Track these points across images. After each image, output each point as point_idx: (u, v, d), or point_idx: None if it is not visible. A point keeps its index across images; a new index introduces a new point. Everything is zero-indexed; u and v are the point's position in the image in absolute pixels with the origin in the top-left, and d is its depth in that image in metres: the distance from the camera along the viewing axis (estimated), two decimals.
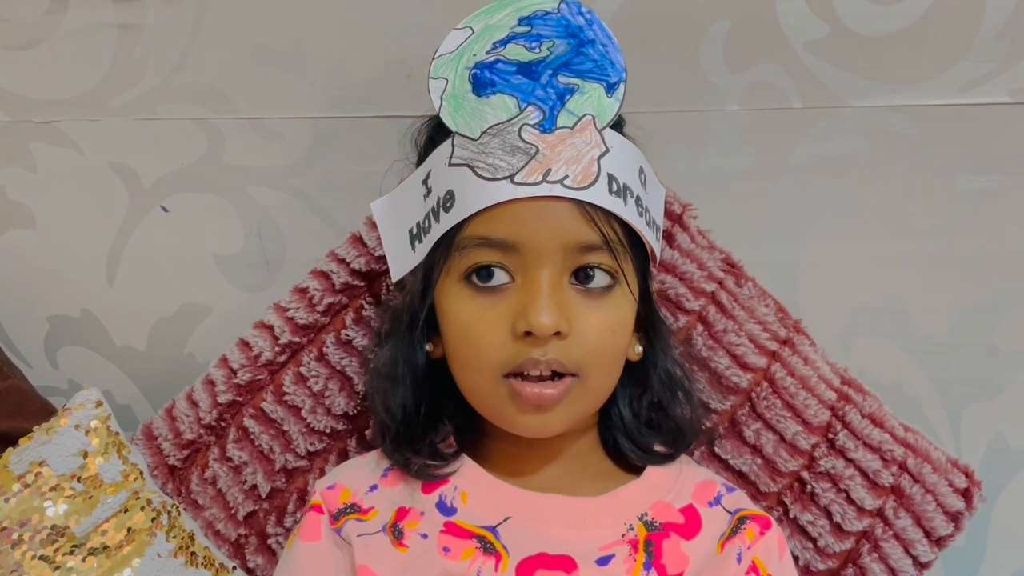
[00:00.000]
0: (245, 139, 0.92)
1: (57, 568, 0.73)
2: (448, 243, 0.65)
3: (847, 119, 0.88)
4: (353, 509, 0.69)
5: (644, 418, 0.72)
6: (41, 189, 0.95)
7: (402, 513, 0.68)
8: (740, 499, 0.72)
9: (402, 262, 0.70)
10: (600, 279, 0.65)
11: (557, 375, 0.64)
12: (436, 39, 0.69)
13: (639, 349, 0.71)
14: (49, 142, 0.93)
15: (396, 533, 0.67)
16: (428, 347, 0.70)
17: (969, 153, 0.88)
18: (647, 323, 0.71)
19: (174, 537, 0.77)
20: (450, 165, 0.65)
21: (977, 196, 0.89)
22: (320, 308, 0.82)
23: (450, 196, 0.65)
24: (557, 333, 0.63)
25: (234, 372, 0.82)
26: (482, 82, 0.66)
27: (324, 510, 0.69)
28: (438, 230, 0.65)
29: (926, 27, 0.85)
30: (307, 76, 0.90)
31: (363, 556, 0.66)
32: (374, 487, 0.70)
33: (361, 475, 0.71)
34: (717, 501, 0.71)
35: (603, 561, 0.65)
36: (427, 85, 0.67)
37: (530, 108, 0.65)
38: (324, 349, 0.81)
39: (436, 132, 0.69)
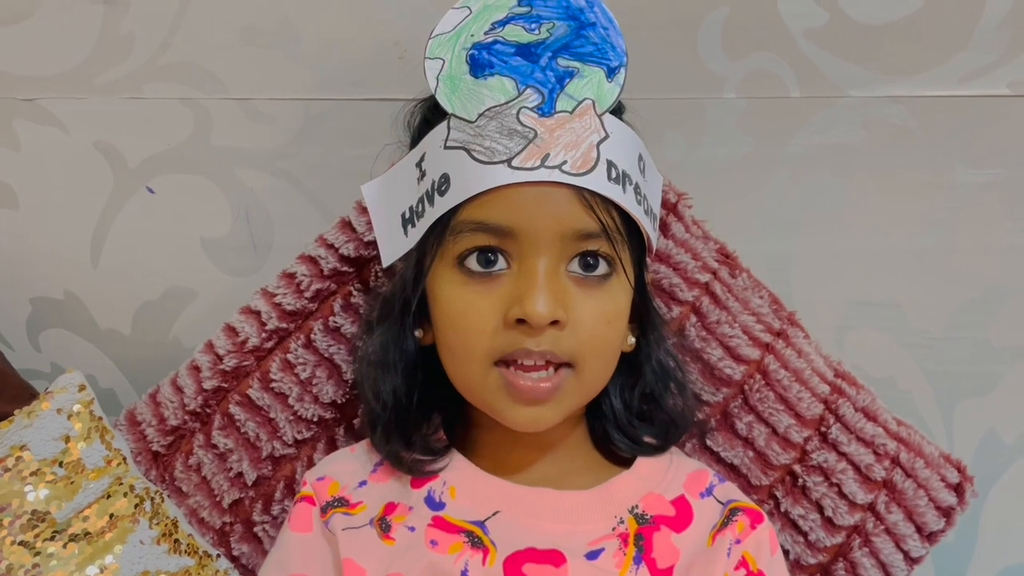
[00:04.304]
0: (233, 120, 0.91)
1: (37, 554, 0.72)
2: (442, 227, 0.64)
3: (845, 109, 0.88)
4: (341, 503, 0.68)
5: (635, 410, 0.72)
6: (24, 168, 0.94)
7: (390, 508, 0.67)
8: (732, 490, 0.72)
9: (393, 247, 0.69)
10: (598, 267, 0.64)
11: (551, 365, 0.63)
12: (429, 20, 0.68)
13: (631, 340, 0.70)
14: (33, 120, 0.92)
15: (383, 526, 0.66)
16: (418, 333, 0.69)
17: (967, 145, 0.88)
18: (641, 313, 0.70)
19: (157, 524, 0.76)
20: (445, 148, 0.64)
21: (975, 189, 0.89)
22: (308, 294, 0.81)
23: (445, 179, 0.64)
24: (554, 323, 0.62)
25: (220, 358, 0.81)
26: (480, 63, 0.65)
27: (315, 501, 0.69)
28: (432, 214, 0.64)
29: (926, 17, 0.85)
30: (297, 57, 0.89)
31: (348, 549, 0.65)
32: (363, 483, 0.69)
33: (351, 469, 0.71)
34: (709, 492, 0.70)
35: (593, 555, 0.65)
36: (422, 65, 0.66)
37: (529, 91, 0.64)
38: (312, 336, 0.80)
39: (431, 113, 0.68)
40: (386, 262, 0.70)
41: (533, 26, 0.66)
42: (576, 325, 0.63)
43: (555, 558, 0.64)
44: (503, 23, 0.66)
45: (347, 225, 0.81)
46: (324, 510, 0.68)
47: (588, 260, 0.64)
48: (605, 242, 0.63)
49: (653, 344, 0.72)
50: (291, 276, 0.82)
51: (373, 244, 0.80)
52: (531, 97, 0.64)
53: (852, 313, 0.92)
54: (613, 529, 0.66)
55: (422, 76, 0.66)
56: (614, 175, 0.63)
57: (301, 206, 0.93)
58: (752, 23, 0.86)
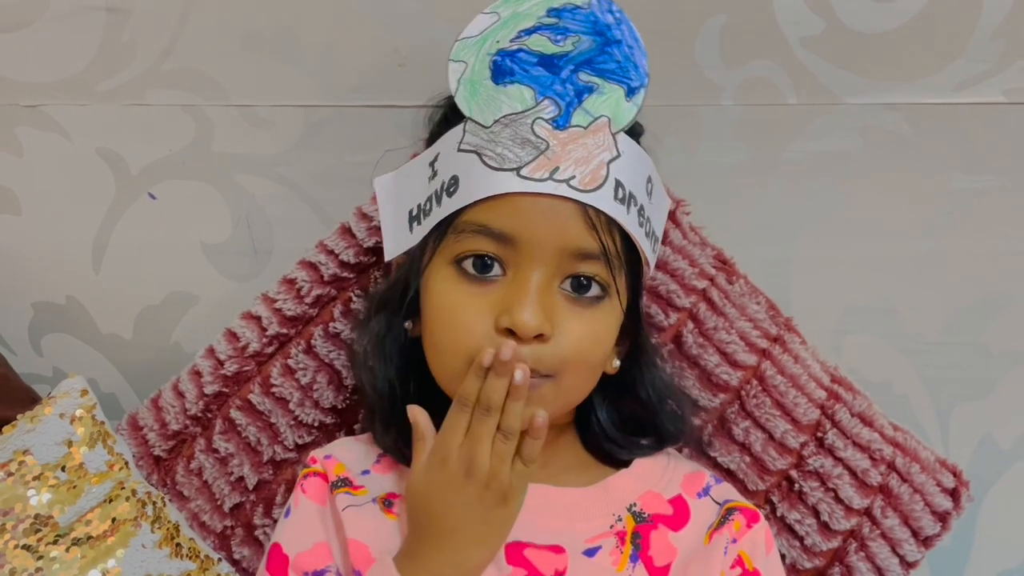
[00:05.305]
0: (234, 126, 0.91)
1: (40, 558, 0.72)
2: (445, 225, 0.65)
3: (842, 116, 0.88)
4: (345, 483, 0.69)
5: (630, 425, 0.72)
6: (27, 174, 0.94)
7: (392, 496, 0.68)
8: (728, 491, 0.72)
9: (398, 242, 0.69)
10: (592, 290, 0.64)
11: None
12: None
13: (616, 363, 0.70)
14: (35, 126, 0.92)
15: (386, 503, 0.67)
16: (407, 325, 0.70)
17: (963, 152, 0.89)
18: (632, 336, 0.70)
19: (159, 528, 0.76)
20: (459, 150, 0.65)
21: (970, 196, 0.89)
22: (308, 300, 0.81)
23: (454, 181, 0.64)
24: (539, 335, 0.62)
25: (221, 363, 0.81)
26: (501, 70, 0.65)
27: (327, 477, 0.69)
28: (438, 214, 0.65)
29: (922, 25, 0.85)
30: (298, 64, 0.90)
31: (353, 530, 0.65)
32: (366, 471, 0.70)
33: (356, 456, 0.71)
34: (706, 492, 0.71)
35: (590, 552, 0.65)
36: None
37: (546, 102, 0.64)
38: (312, 341, 0.81)
39: (452, 113, 0.68)
40: (388, 256, 0.70)
41: (559, 38, 0.66)
42: (561, 340, 0.63)
43: (555, 549, 0.65)
44: (530, 32, 0.66)
45: (347, 231, 0.81)
46: (331, 488, 0.68)
47: (581, 281, 0.64)
48: (603, 265, 0.64)
49: (645, 367, 0.71)
50: (291, 282, 0.82)
51: (372, 250, 0.80)
52: (548, 108, 0.64)
53: (849, 318, 0.92)
54: (611, 527, 0.67)
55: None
56: (620, 195, 0.64)
57: (301, 212, 0.93)
58: (749, 31, 0.86)
